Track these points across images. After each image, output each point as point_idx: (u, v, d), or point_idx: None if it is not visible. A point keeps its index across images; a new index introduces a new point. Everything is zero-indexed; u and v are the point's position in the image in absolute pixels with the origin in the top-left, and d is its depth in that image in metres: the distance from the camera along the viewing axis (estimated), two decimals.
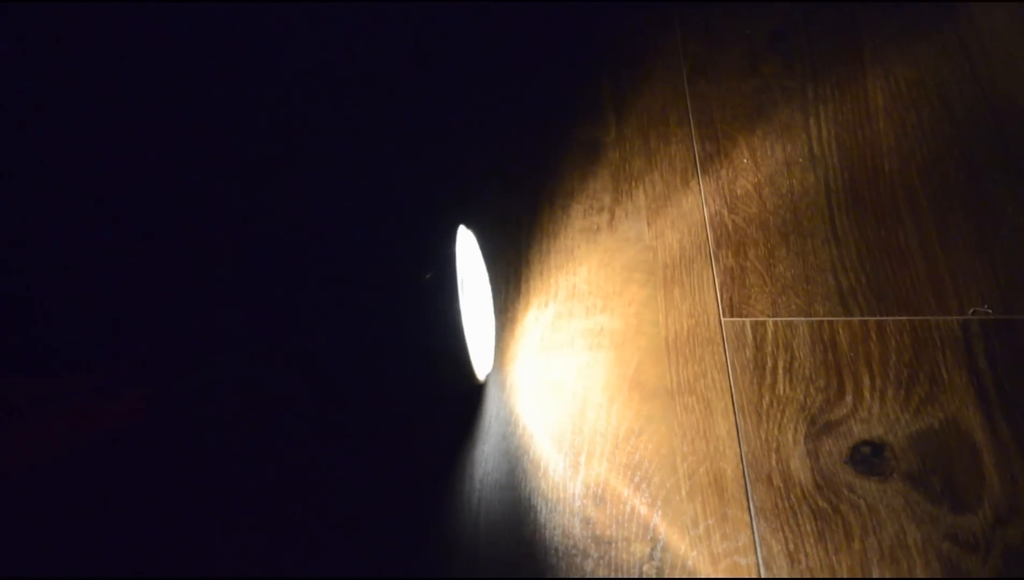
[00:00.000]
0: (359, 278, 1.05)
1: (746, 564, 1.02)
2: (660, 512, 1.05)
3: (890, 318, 1.17)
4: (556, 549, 1.03)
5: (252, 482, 1.06)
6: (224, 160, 1.30)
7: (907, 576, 1.01)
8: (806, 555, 1.02)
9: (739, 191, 1.28)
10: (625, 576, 1.01)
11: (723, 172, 1.30)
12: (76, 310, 1.15)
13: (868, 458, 1.08)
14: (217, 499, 1.06)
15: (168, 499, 1.06)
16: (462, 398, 1.12)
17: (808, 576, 1.01)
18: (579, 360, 1.15)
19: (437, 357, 1.04)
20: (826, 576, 1.00)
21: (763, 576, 1.01)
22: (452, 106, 1.36)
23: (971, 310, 1.18)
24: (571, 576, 1.01)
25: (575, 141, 1.34)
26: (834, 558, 1.02)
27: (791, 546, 1.03)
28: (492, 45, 1.44)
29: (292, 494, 1.06)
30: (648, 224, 1.25)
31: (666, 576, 1.01)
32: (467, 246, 1.07)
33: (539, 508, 1.05)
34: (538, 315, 1.19)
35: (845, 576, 1.01)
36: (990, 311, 1.18)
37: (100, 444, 1.08)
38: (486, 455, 1.09)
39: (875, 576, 1.01)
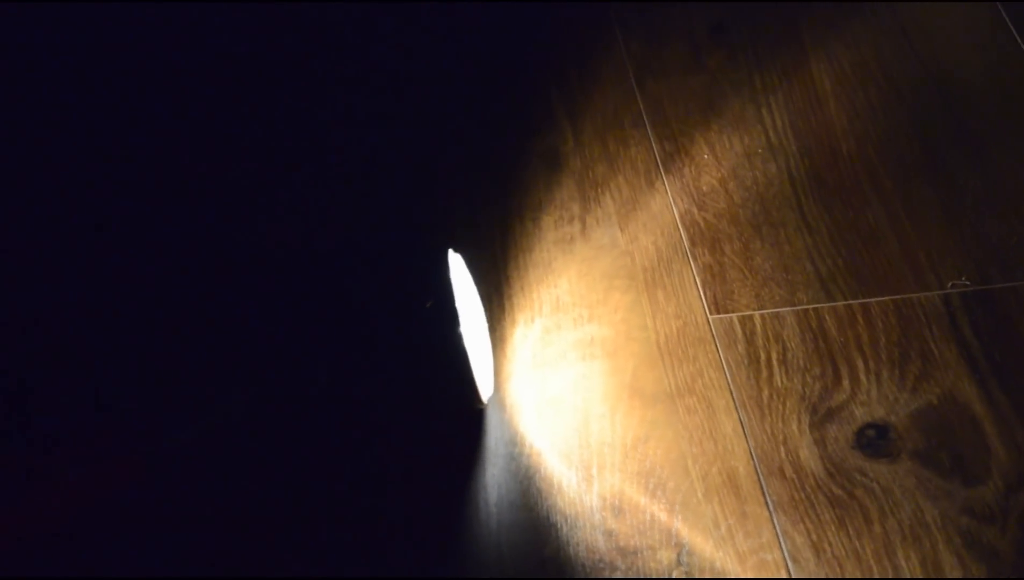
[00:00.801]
0: (359, 310, 1.02)
1: (772, 560, 1.01)
2: (680, 517, 1.04)
3: (873, 300, 1.18)
4: (583, 565, 1.01)
5: (259, 526, 1.03)
6: (196, 191, 1.27)
7: (931, 553, 1.01)
8: (830, 544, 1.02)
9: (705, 187, 1.28)
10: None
11: (686, 170, 1.29)
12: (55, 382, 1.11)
13: (874, 441, 1.08)
14: (219, 552, 1.02)
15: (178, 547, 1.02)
16: (463, 424, 1.10)
17: (835, 564, 1.00)
18: (574, 372, 1.13)
19: (445, 384, 1.02)
20: (852, 562, 1.00)
21: (791, 571, 1.00)
22: (408, 130, 1.33)
23: (950, 284, 1.19)
24: None
25: (534, 153, 1.32)
26: (857, 543, 1.02)
27: (814, 537, 1.02)
28: (431, 67, 1.42)
29: (303, 536, 1.03)
30: (620, 229, 1.24)
31: (696, 578, 0.99)
32: (458, 269, 1.05)
33: (559, 526, 1.04)
34: (526, 332, 1.17)
35: (871, 560, 1.00)
36: (968, 283, 1.19)
37: (95, 514, 1.03)
38: (496, 479, 1.07)
39: (900, 557, 1.01)
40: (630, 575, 1.00)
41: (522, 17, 1.49)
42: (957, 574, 1.00)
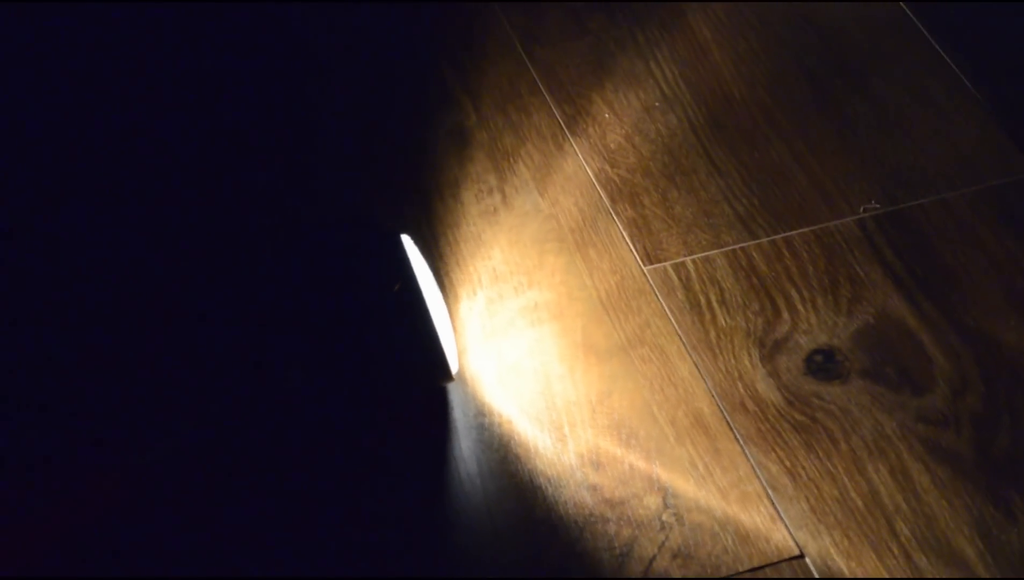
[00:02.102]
0: (321, 305, 1.01)
1: (753, 490, 1.04)
2: (657, 462, 1.06)
3: (794, 233, 1.22)
4: (575, 521, 1.02)
5: (250, 528, 1.01)
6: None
7: (897, 463, 1.05)
8: (803, 468, 1.05)
9: (612, 145, 1.30)
10: (648, 529, 1.01)
11: (590, 130, 1.32)
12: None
13: (823, 365, 1.12)
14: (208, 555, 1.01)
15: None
16: (431, 405, 1.10)
17: (812, 487, 1.03)
18: (526, 338, 1.14)
19: (419, 366, 1.02)
20: (827, 482, 1.04)
21: (773, 499, 1.03)
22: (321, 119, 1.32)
23: (861, 208, 1.24)
24: (598, 543, 1.01)
25: (439, 131, 1.33)
26: (828, 464, 1.05)
27: (787, 463, 1.06)
28: (318, 64, 1.41)
29: (294, 537, 1.01)
30: (540, 195, 1.25)
31: (685, 519, 1.01)
32: (412, 252, 1.05)
33: (544, 487, 1.04)
34: (470, 305, 1.18)
35: (844, 478, 1.04)
36: (878, 206, 1.24)
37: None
38: (474, 451, 1.07)
39: (870, 470, 1.05)
40: (623, 523, 1.02)
41: (398, 6, 1.49)
42: (925, 478, 1.04)
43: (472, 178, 1.27)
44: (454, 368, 1.06)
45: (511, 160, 1.29)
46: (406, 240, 1.04)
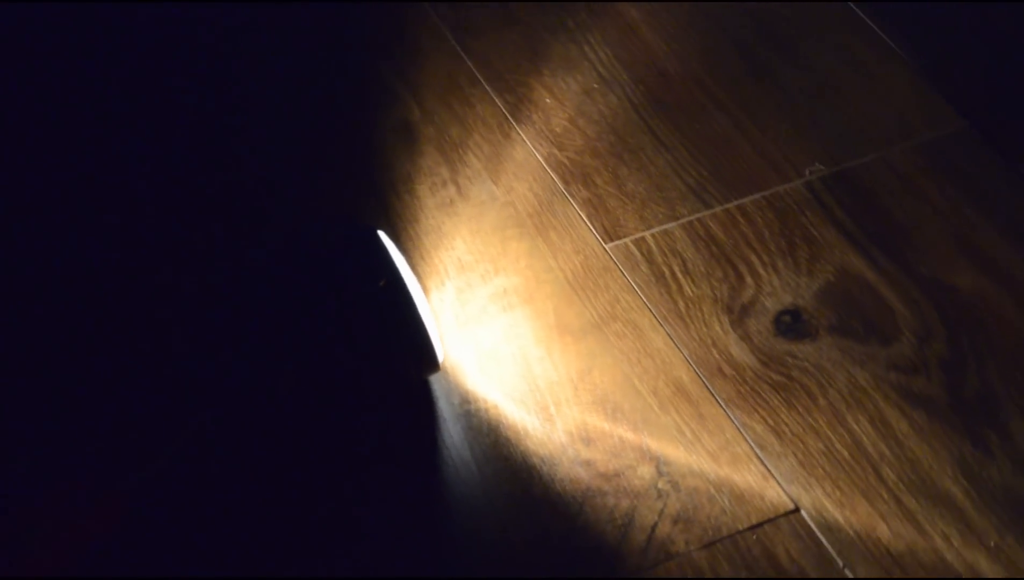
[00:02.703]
0: (313, 301, 1.01)
1: (742, 451, 1.06)
2: (645, 432, 1.08)
3: (746, 200, 1.25)
4: (574, 497, 1.04)
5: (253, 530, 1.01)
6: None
7: (875, 412, 1.08)
8: (786, 425, 1.08)
9: (558, 129, 1.32)
10: (645, 498, 1.02)
11: (534, 116, 1.33)
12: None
13: (792, 325, 1.15)
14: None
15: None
16: (414, 398, 1.10)
17: (798, 442, 1.06)
18: (500, 324, 1.15)
19: (411, 358, 1.03)
20: (812, 436, 1.06)
21: (762, 458, 1.05)
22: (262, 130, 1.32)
23: (807, 171, 1.27)
24: (599, 516, 1.02)
25: (386, 128, 1.33)
26: (810, 419, 1.08)
27: (771, 422, 1.08)
28: (263, 52, 1.40)
29: (286, 528, 1.01)
30: (495, 183, 1.26)
31: (680, 485, 1.03)
32: (390, 248, 1.05)
33: (538, 467, 1.06)
34: (441, 296, 1.18)
35: (827, 431, 1.07)
36: (823, 168, 1.28)
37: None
38: (465, 439, 1.08)
39: (851, 421, 1.08)
40: (620, 495, 1.03)
41: (325, 6, 1.49)
42: (903, 424, 1.08)
43: (424, 172, 1.27)
44: (440, 358, 1.06)
45: (460, 151, 1.29)
46: (382, 235, 1.04)
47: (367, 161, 1.30)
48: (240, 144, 1.35)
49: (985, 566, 1.00)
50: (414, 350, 1.03)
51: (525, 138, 1.31)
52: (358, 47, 1.43)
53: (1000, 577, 1.00)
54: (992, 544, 1.02)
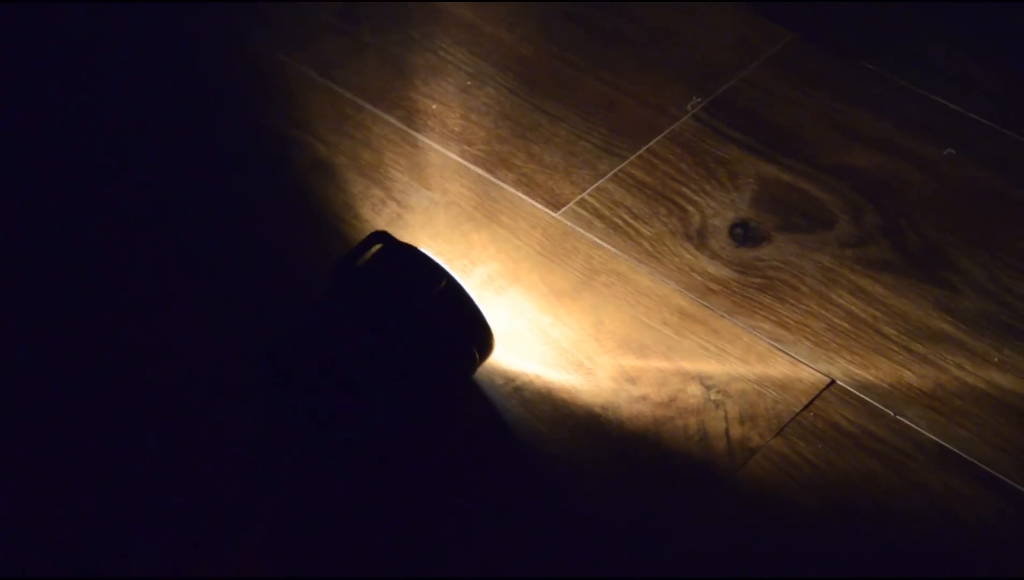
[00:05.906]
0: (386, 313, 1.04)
1: (765, 348, 1.17)
2: (676, 358, 1.16)
3: (652, 143, 1.35)
4: (647, 431, 1.11)
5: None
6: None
7: (850, 284, 1.22)
8: (788, 317, 1.19)
9: (457, 128, 1.38)
10: (707, 412, 1.11)
11: (431, 123, 1.38)
12: None
13: (746, 235, 1.27)
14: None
15: None
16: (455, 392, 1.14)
17: (805, 327, 1.18)
18: (501, 306, 1.20)
19: (479, 350, 1.07)
20: (813, 319, 1.18)
21: (784, 348, 1.16)
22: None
23: (688, 106, 1.39)
24: (677, 438, 1.10)
25: (303, 171, 1.34)
26: (803, 306, 1.20)
27: (774, 318, 1.19)
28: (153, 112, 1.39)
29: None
30: (428, 189, 1.31)
31: (730, 391, 1.12)
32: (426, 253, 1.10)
33: (602, 415, 1.11)
34: None
35: (821, 310, 1.19)
36: (700, 100, 1.40)
37: None
38: (524, 414, 1.12)
39: (835, 297, 1.20)
40: (688, 415, 1.11)
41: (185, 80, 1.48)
42: (878, 288, 1.21)
43: (359, 197, 1.30)
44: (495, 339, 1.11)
45: (381, 171, 1.33)
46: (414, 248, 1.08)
47: (303, 204, 1.31)
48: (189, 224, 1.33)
49: (1000, 378, 1.14)
50: (481, 335, 1.07)
51: (432, 143, 1.36)
52: (236, 108, 1.43)
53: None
54: (996, 360, 1.15)
